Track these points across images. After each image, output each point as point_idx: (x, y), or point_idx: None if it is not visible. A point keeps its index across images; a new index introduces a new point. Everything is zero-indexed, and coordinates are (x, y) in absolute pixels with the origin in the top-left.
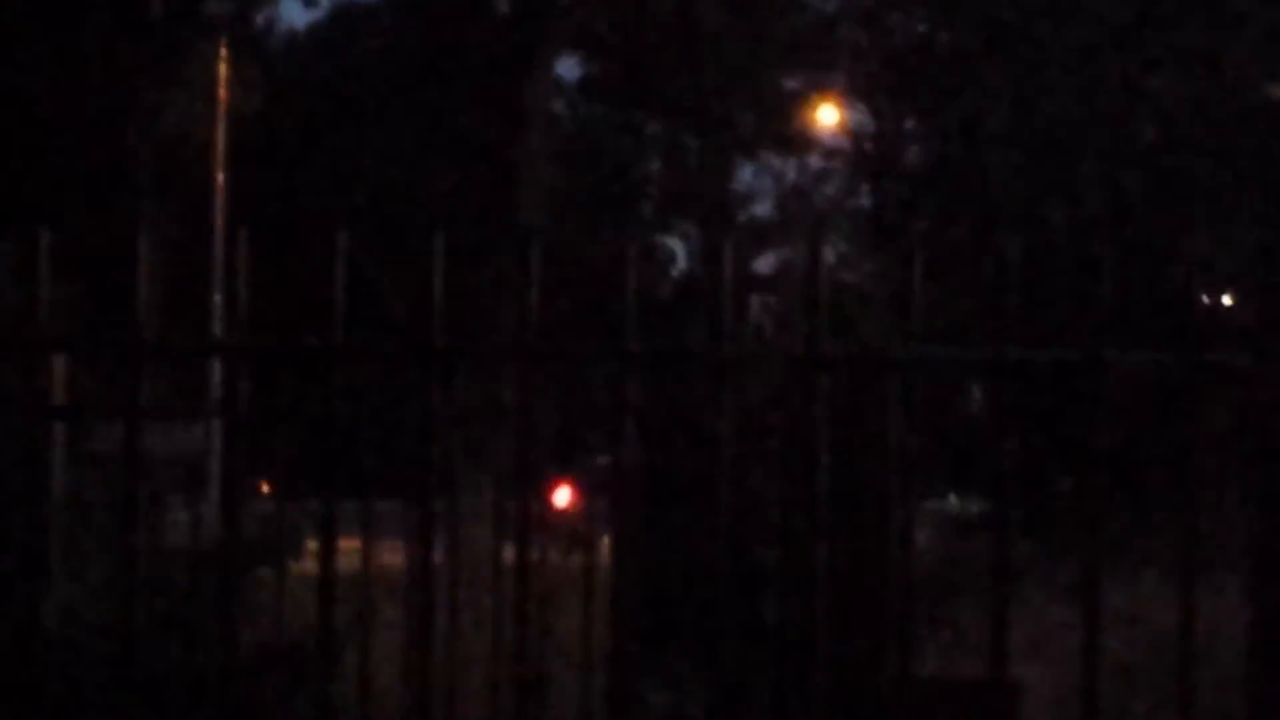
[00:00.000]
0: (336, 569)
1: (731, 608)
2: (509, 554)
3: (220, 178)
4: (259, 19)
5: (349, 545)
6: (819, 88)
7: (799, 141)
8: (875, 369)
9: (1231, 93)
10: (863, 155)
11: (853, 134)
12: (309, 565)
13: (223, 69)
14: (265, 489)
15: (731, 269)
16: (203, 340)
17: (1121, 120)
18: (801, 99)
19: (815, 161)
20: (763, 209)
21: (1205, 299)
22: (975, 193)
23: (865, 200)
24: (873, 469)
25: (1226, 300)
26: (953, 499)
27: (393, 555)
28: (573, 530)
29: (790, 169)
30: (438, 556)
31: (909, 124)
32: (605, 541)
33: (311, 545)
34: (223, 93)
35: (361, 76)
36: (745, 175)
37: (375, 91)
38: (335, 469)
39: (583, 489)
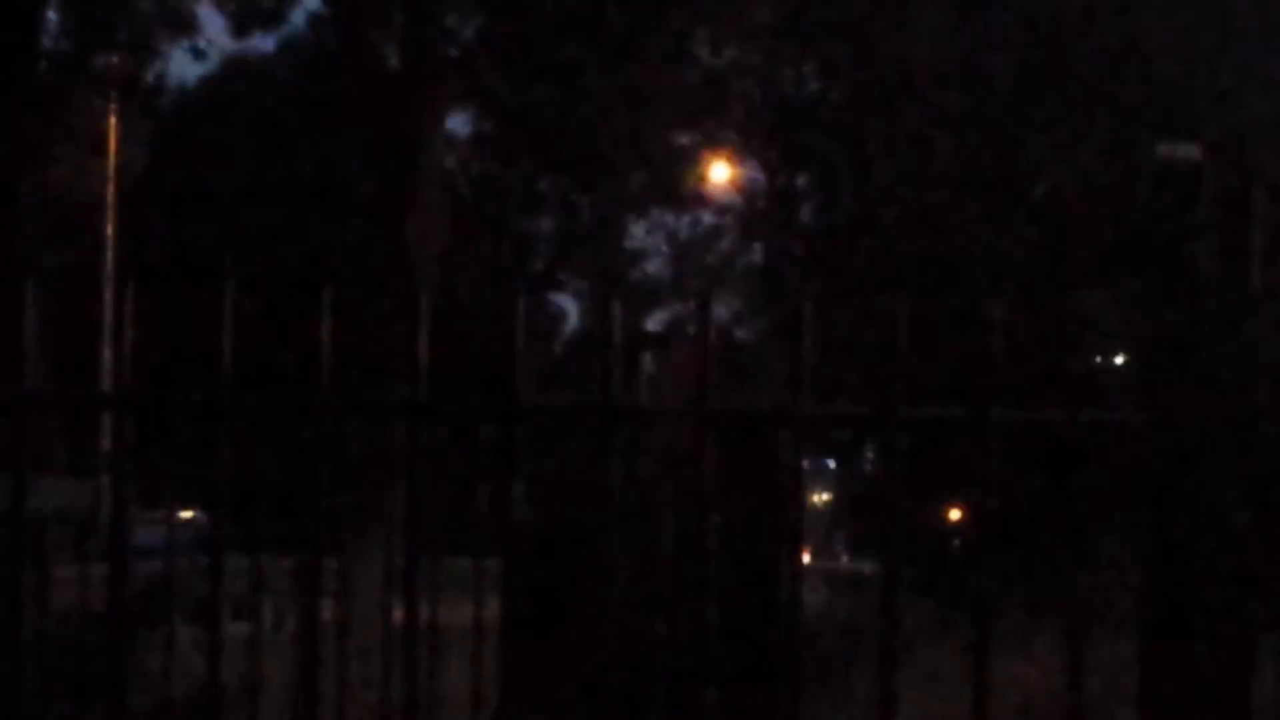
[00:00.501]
0: (223, 627)
1: (622, 663)
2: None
3: (110, 231)
4: (149, 74)
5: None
6: (711, 144)
7: (691, 198)
8: (764, 425)
9: (1120, 151)
10: (755, 212)
11: (745, 191)
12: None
13: (113, 123)
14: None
15: (621, 325)
16: (88, 392)
17: (1010, 179)
18: (693, 156)
19: (707, 218)
20: (655, 266)
21: (1098, 358)
22: (866, 250)
23: (758, 257)
24: (763, 525)
25: (1119, 360)
26: (844, 558)
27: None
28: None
29: (682, 226)
30: (329, 612)
31: (800, 181)
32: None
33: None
34: (113, 147)
35: (252, 130)
36: (638, 232)
37: (266, 145)
38: (224, 523)
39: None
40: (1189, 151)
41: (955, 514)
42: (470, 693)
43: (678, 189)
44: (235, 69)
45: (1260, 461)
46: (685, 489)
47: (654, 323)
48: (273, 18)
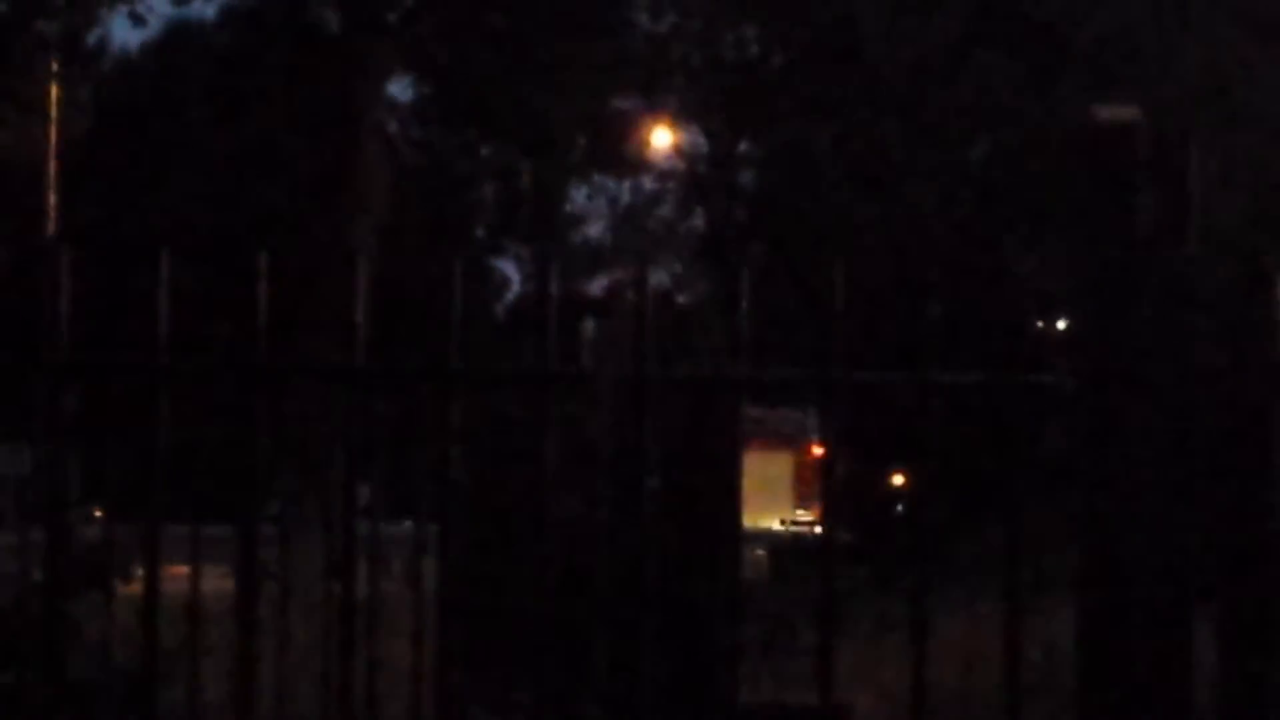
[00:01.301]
0: (160, 594)
1: (560, 631)
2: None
3: (51, 198)
4: (90, 38)
5: (181, 571)
6: (652, 110)
7: (632, 164)
8: (702, 389)
9: (1058, 113)
10: (696, 177)
11: (686, 156)
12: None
13: (54, 89)
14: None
15: (559, 290)
16: (23, 358)
17: (950, 141)
18: (635, 121)
19: (649, 184)
20: (596, 232)
21: (1039, 322)
22: (806, 214)
23: (700, 222)
24: (703, 490)
25: (1061, 324)
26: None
27: (226, 580)
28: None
29: (624, 191)
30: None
31: (742, 146)
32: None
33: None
34: (54, 112)
35: (193, 96)
36: (579, 198)
37: (207, 111)
38: (161, 491)
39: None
40: (1127, 113)
41: (899, 479)
42: (411, 658)
43: (619, 155)
44: (176, 35)
45: (1195, 423)
46: (625, 453)
47: (596, 288)
48: None
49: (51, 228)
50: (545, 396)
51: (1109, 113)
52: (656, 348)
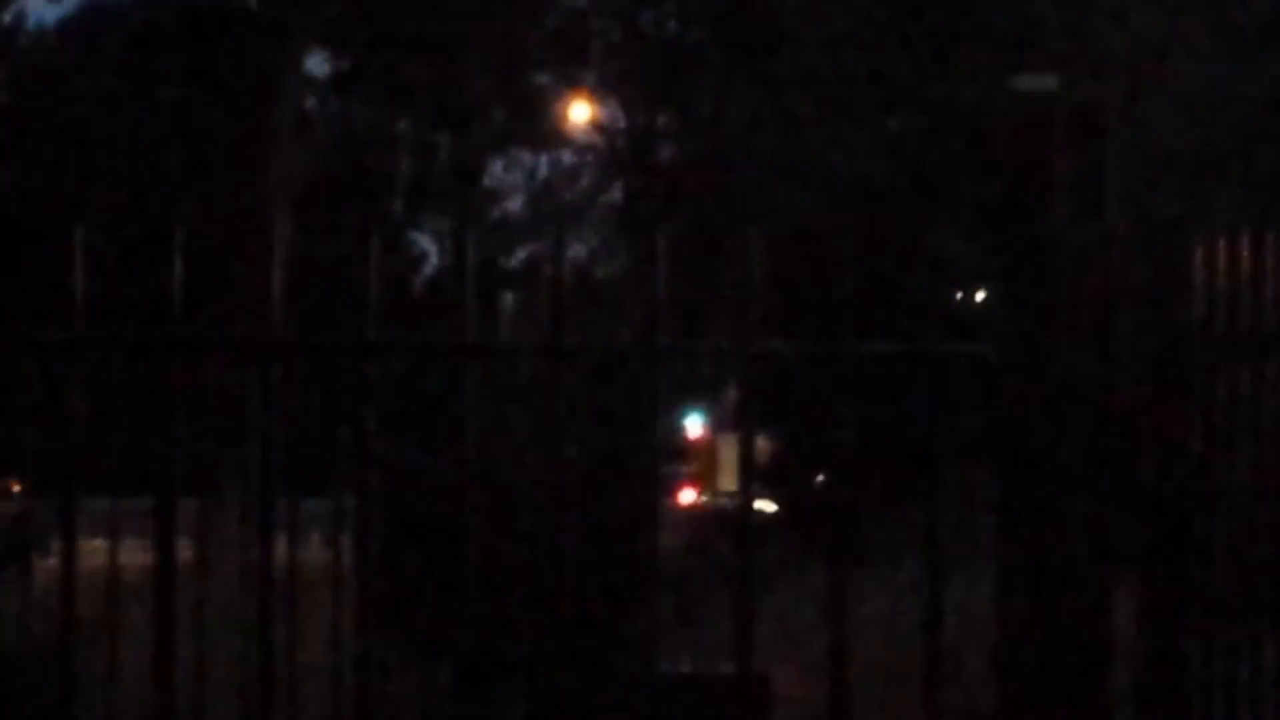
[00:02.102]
0: (78, 568)
1: (478, 602)
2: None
3: None
4: (6, 14)
5: (100, 545)
6: (571, 84)
7: (551, 138)
8: (617, 360)
9: (976, 82)
10: (615, 151)
11: (605, 130)
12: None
13: None
14: (16, 487)
15: (475, 262)
16: None
17: (866, 113)
18: (553, 95)
19: (567, 157)
20: (515, 206)
21: (958, 294)
22: (723, 187)
23: (618, 196)
24: (621, 460)
25: (980, 295)
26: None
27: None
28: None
29: (542, 165)
30: (188, 555)
31: (660, 120)
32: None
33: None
34: None
35: (110, 72)
36: (497, 171)
37: (125, 88)
38: (78, 465)
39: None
40: (1045, 83)
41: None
42: (330, 632)
43: (537, 129)
44: (92, 10)
45: (1114, 394)
46: (542, 425)
47: (514, 261)
48: None
49: None
50: (462, 368)
51: (1026, 83)
52: (573, 319)
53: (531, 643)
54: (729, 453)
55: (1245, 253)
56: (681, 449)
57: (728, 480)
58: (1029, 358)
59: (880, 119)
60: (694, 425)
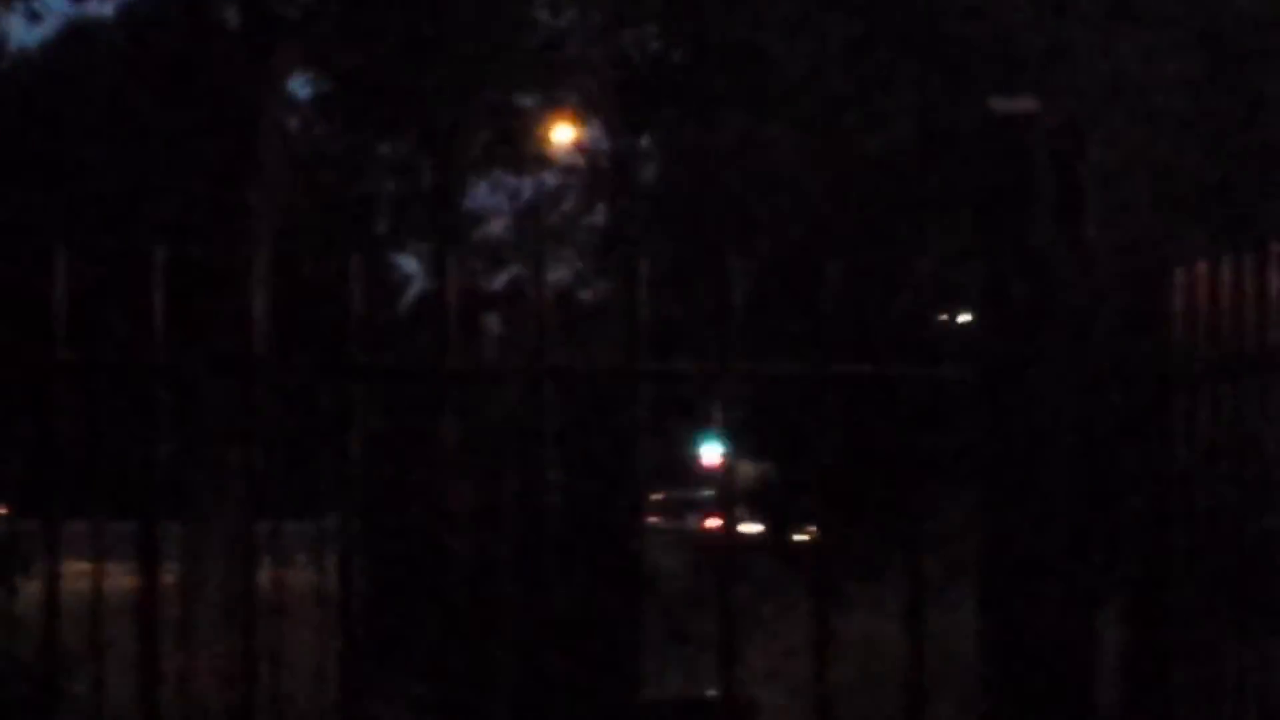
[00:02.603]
0: (61, 591)
1: (462, 624)
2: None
3: None
4: None
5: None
6: (553, 105)
7: (533, 160)
8: (600, 382)
9: (956, 104)
10: (598, 173)
11: (587, 152)
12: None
13: None
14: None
15: (457, 284)
16: None
17: (850, 138)
18: (535, 117)
19: (550, 179)
20: (498, 228)
21: (944, 316)
22: (707, 209)
23: (601, 218)
24: (606, 483)
25: (965, 317)
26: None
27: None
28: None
29: (525, 187)
30: (172, 577)
31: (644, 141)
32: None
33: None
34: None
35: (93, 94)
36: (480, 194)
37: (107, 110)
38: (60, 487)
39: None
40: (1024, 105)
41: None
42: (316, 656)
43: (520, 151)
44: (75, 31)
45: (1095, 415)
46: (526, 448)
47: (497, 283)
48: None
49: None
50: (444, 391)
51: (1006, 104)
52: (556, 341)
53: (515, 668)
54: (745, 479)
55: (1225, 275)
56: (698, 475)
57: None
58: (1010, 380)
59: (861, 140)
60: (711, 452)
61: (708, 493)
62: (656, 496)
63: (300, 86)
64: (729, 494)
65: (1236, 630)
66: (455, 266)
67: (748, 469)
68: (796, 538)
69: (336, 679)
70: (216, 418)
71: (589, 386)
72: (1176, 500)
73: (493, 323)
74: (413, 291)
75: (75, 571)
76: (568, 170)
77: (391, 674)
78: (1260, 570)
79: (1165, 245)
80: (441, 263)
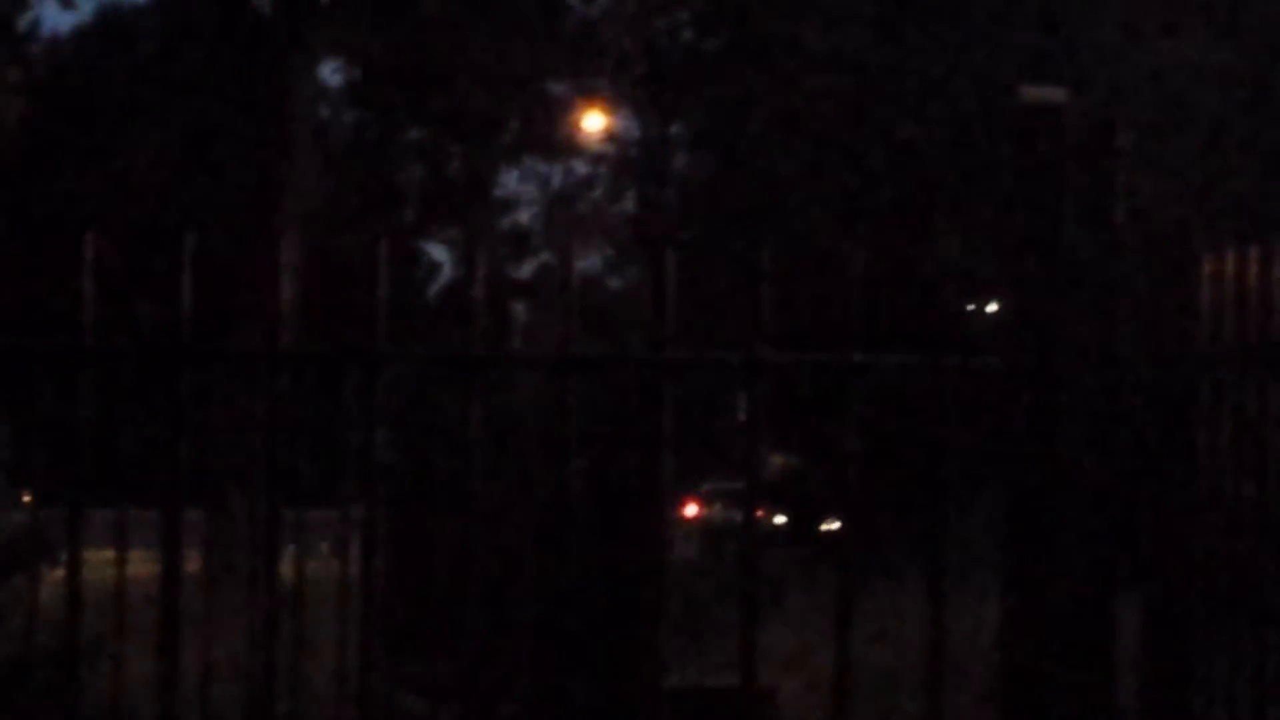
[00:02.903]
0: (84, 578)
1: (486, 613)
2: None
3: None
4: (21, 22)
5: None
6: (585, 93)
7: (564, 147)
8: (628, 371)
9: (986, 95)
10: (628, 161)
11: (618, 140)
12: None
13: None
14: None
15: (486, 273)
16: None
17: (878, 122)
18: (567, 104)
19: (581, 167)
20: (527, 216)
21: (970, 305)
22: (738, 198)
23: (631, 206)
24: (630, 471)
25: (992, 307)
26: (718, 508)
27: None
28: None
29: (555, 175)
30: (195, 565)
31: (674, 130)
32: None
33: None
34: None
35: (127, 81)
36: (510, 181)
37: (140, 96)
38: (85, 475)
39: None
40: (1054, 95)
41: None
42: (338, 646)
43: (550, 138)
44: (108, 19)
45: (1120, 408)
46: (551, 436)
47: (526, 272)
48: None
49: None
50: (471, 378)
51: (1035, 94)
52: (583, 329)
53: (538, 656)
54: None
55: (1253, 265)
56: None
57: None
58: (1035, 370)
59: (891, 128)
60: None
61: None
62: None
63: (331, 73)
64: (755, 485)
65: (1259, 623)
66: (483, 255)
67: (776, 460)
68: (823, 529)
69: (357, 666)
70: (242, 406)
71: (616, 376)
72: (1202, 491)
73: (520, 311)
74: (441, 279)
75: (99, 560)
76: (598, 158)
77: (414, 659)
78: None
79: (1193, 236)
80: (470, 252)
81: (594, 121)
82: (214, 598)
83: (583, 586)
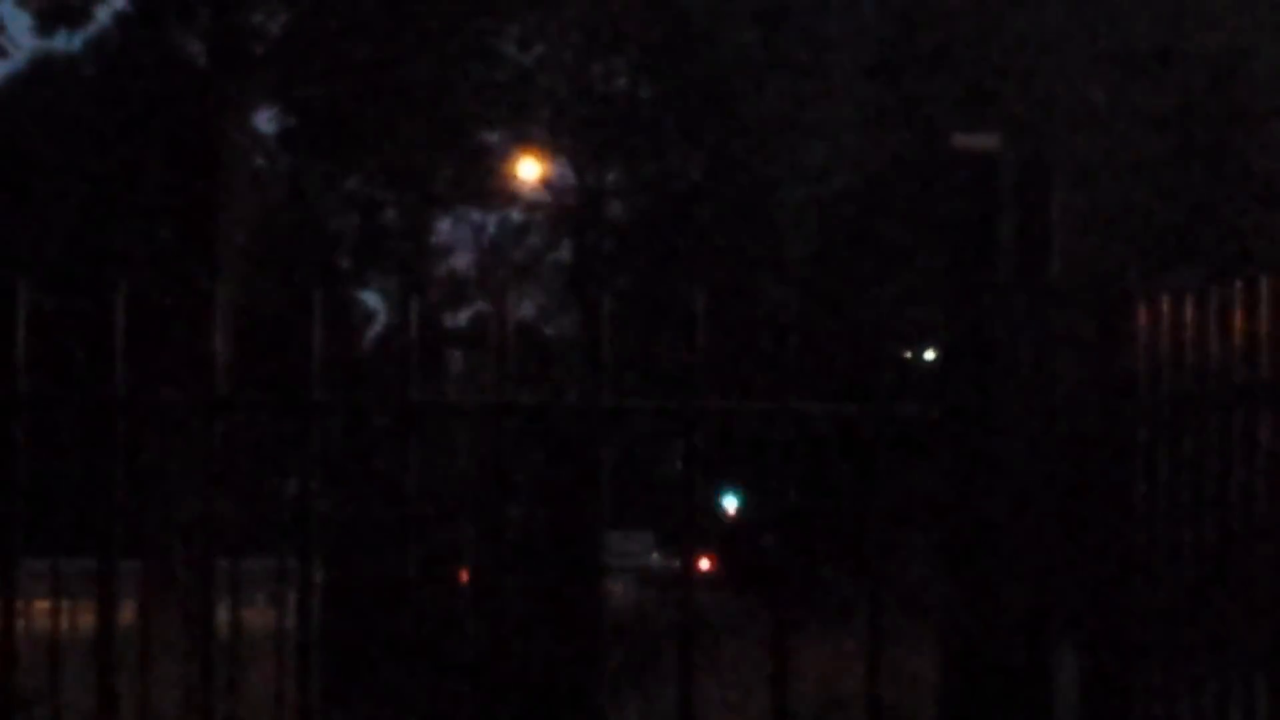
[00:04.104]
0: (16, 629)
1: (422, 659)
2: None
3: None
4: None
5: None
6: (520, 141)
7: (499, 195)
8: (564, 418)
9: (919, 138)
10: (564, 209)
11: (554, 187)
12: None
13: None
14: None
15: (422, 320)
16: None
17: (817, 174)
18: (502, 152)
19: (516, 215)
20: (463, 263)
21: (907, 354)
22: (671, 245)
23: (567, 253)
24: (566, 517)
25: (929, 355)
26: (656, 556)
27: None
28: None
29: (490, 223)
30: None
31: (610, 177)
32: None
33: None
34: None
35: (60, 128)
36: (445, 229)
37: (74, 143)
38: (16, 524)
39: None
40: (987, 141)
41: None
42: (275, 694)
43: (486, 186)
44: (40, 66)
45: (1057, 452)
46: (487, 483)
47: (462, 319)
48: (79, 16)
49: None
50: (406, 427)
51: (969, 141)
52: (519, 377)
53: (476, 702)
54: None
55: (1189, 310)
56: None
57: None
58: (971, 417)
59: (826, 177)
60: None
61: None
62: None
63: (266, 122)
64: (692, 530)
65: (1196, 668)
66: (417, 303)
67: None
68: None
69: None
70: (177, 455)
71: (552, 423)
72: (1137, 538)
73: (456, 359)
74: (376, 328)
75: (34, 610)
76: (534, 206)
77: (350, 711)
78: (1221, 607)
79: (1129, 279)
80: (404, 297)
81: (530, 169)
82: (150, 648)
83: (521, 633)
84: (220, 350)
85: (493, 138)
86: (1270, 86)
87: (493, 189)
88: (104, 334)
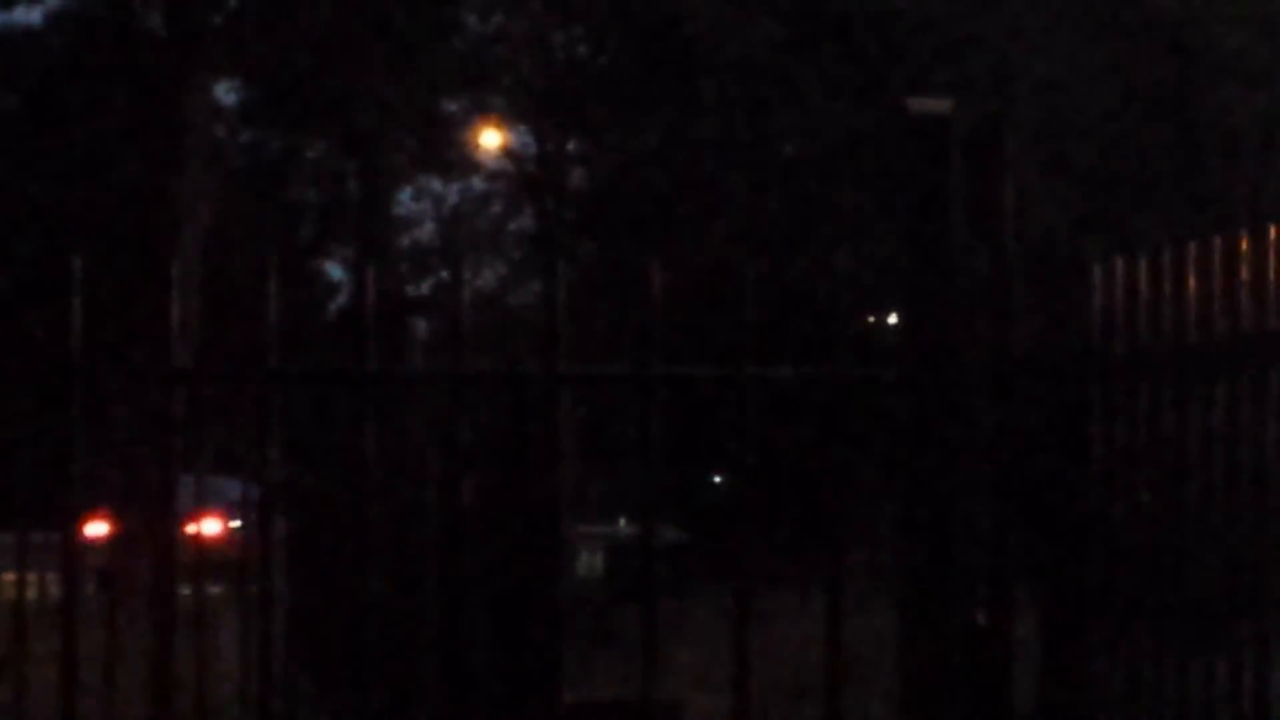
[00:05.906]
0: None
1: (384, 630)
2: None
3: None
4: None
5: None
6: (481, 110)
7: (460, 165)
8: (518, 386)
9: (874, 104)
10: (525, 178)
11: (515, 156)
12: None
13: None
14: None
15: (378, 291)
16: None
17: (768, 139)
18: (463, 122)
19: (478, 184)
20: (425, 233)
21: (871, 318)
22: (633, 213)
23: (529, 222)
24: (529, 487)
25: (892, 319)
26: (623, 522)
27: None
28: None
29: (452, 192)
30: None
31: (571, 145)
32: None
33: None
34: None
35: (20, 100)
36: (406, 200)
37: (34, 115)
38: None
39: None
40: (940, 105)
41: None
42: (240, 661)
43: (447, 156)
44: (2, 39)
45: (1013, 413)
46: (445, 452)
47: (424, 289)
48: None
49: None
50: (364, 395)
51: (922, 105)
52: (477, 345)
53: (437, 674)
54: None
55: (1143, 273)
56: None
57: None
58: (928, 380)
59: (783, 143)
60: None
61: None
62: None
63: (226, 93)
64: (651, 498)
65: (1154, 632)
66: (375, 272)
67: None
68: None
69: (257, 687)
70: (135, 425)
71: (511, 391)
72: (1093, 499)
73: (418, 328)
74: (339, 299)
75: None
76: (495, 174)
77: (313, 681)
78: (1175, 571)
79: (1083, 242)
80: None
81: (490, 138)
82: (117, 619)
83: (481, 603)
84: (180, 321)
85: (452, 108)
86: (1226, 43)
87: (453, 159)
88: (62, 305)
